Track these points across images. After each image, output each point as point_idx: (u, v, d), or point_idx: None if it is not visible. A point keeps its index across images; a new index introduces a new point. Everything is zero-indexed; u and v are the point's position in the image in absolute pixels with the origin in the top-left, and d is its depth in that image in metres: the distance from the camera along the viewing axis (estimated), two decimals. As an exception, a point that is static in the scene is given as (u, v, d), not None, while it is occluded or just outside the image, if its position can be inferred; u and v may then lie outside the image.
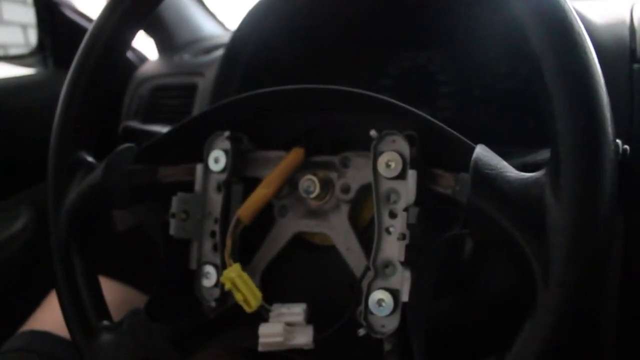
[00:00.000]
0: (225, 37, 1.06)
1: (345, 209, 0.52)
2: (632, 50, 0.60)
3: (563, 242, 0.34)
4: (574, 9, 0.38)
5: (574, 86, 0.35)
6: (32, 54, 1.18)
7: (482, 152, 0.41)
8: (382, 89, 0.81)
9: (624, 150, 0.42)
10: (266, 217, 0.55)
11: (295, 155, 0.53)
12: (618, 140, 0.37)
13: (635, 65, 0.58)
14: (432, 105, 0.77)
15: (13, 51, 1.62)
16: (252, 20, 0.79)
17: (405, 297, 0.47)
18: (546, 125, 0.37)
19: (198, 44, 1.12)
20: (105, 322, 0.55)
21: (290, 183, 0.54)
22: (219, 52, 0.95)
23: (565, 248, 0.34)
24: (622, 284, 0.50)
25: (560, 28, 0.36)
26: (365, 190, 0.51)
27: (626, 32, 0.62)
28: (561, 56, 0.36)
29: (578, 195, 0.34)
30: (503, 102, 0.73)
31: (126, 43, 0.56)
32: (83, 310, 0.55)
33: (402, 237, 0.46)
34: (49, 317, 0.73)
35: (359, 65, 0.82)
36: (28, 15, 1.17)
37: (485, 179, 0.39)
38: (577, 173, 0.34)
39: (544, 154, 0.50)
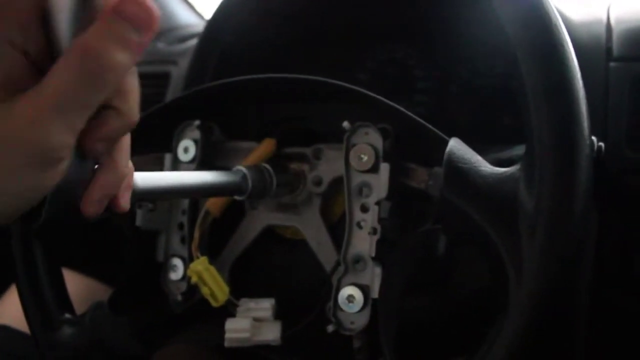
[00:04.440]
0: (200, 26, 1.04)
1: (316, 202, 0.51)
2: (608, 49, 0.60)
3: (536, 238, 0.33)
4: (554, 6, 0.37)
5: (551, 81, 0.34)
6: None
7: (456, 145, 0.40)
8: (358, 82, 0.80)
9: (599, 147, 0.42)
10: (236, 209, 0.53)
11: (266, 146, 0.52)
12: (593, 138, 0.36)
13: (611, 64, 0.58)
14: (409, 100, 0.77)
15: None
16: (227, 10, 0.77)
17: (375, 293, 0.46)
18: (522, 122, 0.36)
19: (172, 33, 1.10)
20: (67, 315, 0.53)
21: None
22: (194, 41, 0.93)
23: (539, 245, 0.33)
24: (593, 283, 0.50)
25: (539, 24, 0.36)
26: (337, 183, 0.50)
27: (603, 31, 0.61)
28: (539, 51, 0.35)
29: (552, 191, 0.33)
30: (480, 98, 0.73)
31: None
32: (43, 302, 0.53)
33: (374, 231, 0.46)
34: (8, 310, 0.70)
35: (336, 57, 0.81)
36: None
37: (458, 172, 0.38)
38: (551, 168, 0.33)
39: (519, 150, 0.49)
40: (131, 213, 0.54)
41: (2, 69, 0.24)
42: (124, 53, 0.24)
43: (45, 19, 0.25)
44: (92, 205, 0.29)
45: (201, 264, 0.49)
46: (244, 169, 0.45)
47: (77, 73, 0.24)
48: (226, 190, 0.44)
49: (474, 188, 0.37)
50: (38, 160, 0.24)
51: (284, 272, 0.54)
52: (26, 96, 0.24)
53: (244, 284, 0.53)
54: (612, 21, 0.62)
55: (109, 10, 0.24)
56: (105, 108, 0.26)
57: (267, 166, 0.47)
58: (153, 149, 0.55)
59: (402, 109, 0.45)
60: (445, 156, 0.39)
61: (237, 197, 0.45)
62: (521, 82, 0.36)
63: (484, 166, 0.38)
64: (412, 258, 0.46)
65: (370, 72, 0.80)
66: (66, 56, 0.24)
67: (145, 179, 0.35)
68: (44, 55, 0.25)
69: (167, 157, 0.54)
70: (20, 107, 0.24)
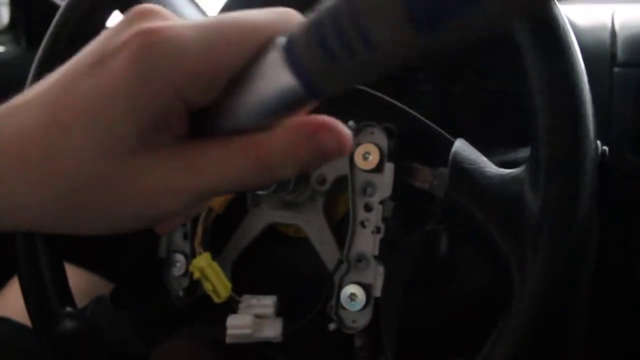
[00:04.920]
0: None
1: (320, 200, 0.51)
2: (613, 54, 0.60)
3: (540, 240, 0.33)
4: (562, 9, 0.37)
5: (558, 83, 0.34)
6: (3, 31, 1.14)
7: (461, 146, 0.40)
8: (362, 83, 0.80)
9: (603, 151, 0.42)
10: (239, 206, 0.53)
11: (271, 144, 0.52)
12: (597, 141, 0.36)
13: (615, 69, 0.58)
14: (412, 102, 0.77)
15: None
16: (232, 9, 0.77)
17: (378, 292, 0.46)
18: (527, 124, 0.36)
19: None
20: (68, 309, 0.53)
21: None
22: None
23: (543, 247, 0.33)
24: (594, 287, 0.50)
25: (547, 26, 0.36)
26: (341, 182, 0.50)
27: (607, 36, 0.62)
28: (546, 52, 0.35)
29: (557, 193, 0.33)
30: (484, 101, 0.73)
31: (101, 23, 0.55)
32: (45, 295, 0.53)
33: (377, 230, 0.46)
34: (10, 303, 0.70)
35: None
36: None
37: (463, 173, 0.38)
38: (557, 170, 0.33)
39: (524, 152, 0.49)
40: None
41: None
42: (293, 169, 0.24)
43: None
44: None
45: (204, 260, 0.49)
46: None
47: (245, 161, 0.24)
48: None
49: (479, 188, 0.37)
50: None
51: (286, 270, 0.54)
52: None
53: (246, 280, 0.53)
54: (617, 27, 0.63)
55: (314, 126, 0.24)
56: None
57: None
58: None
59: (407, 109, 0.45)
60: (450, 156, 0.39)
61: (260, 192, 0.45)
62: (528, 84, 0.36)
63: (489, 167, 0.38)
64: (415, 257, 0.46)
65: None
66: (244, 143, 0.24)
67: None
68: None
69: None
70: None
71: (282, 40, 0.22)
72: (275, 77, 0.22)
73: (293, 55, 0.22)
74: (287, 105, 0.23)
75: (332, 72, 0.21)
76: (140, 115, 0.23)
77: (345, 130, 0.24)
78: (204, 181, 0.24)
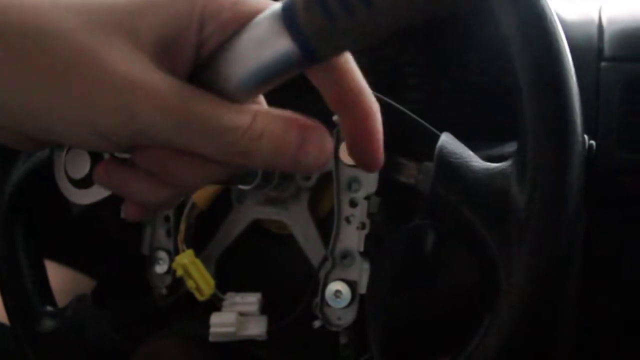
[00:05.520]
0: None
1: (305, 196, 0.50)
2: (600, 49, 0.60)
3: (527, 236, 0.33)
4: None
5: (545, 76, 0.34)
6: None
7: (447, 140, 0.39)
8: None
9: (590, 145, 0.42)
10: (223, 202, 0.53)
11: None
12: (585, 136, 0.36)
13: (603, 64, 0.58)
14: (400, 97, 0.76)
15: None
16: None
17: (363, 289, 0.45)
18: (513, 119, 0.35)
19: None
20: (49, 308, 0.53)
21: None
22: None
23: (529, 242, 0.32)
24: (582, 285, 0.49)
25: (535, 19, 0.35)
26: (325, 178, 0.49)
27: (594, 31, 0.62)
28: (533, 46, 0.35)
29: (544, 188, 0.33)
30: (471, 96, 0.72)
31: None
32: (24, 294, 0.52)
33: (362, 226, 0.45)
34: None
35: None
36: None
37: (449, 167, 0.37)
38: (544, 164, 0.33)
39: (510, 147, 0.49)
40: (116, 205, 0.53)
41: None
42: (269, 158, 0.24)
43: None
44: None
45: (187, 257, 0.48)
46: None
47: (234, 132, 0.23)
48: (235, 179, 0.44)
49: (465, 183, 0.36)
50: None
51: (271, 267, 0.54)
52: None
53: (230, 278, 0.53)
54: (604, 21, 0.62)
55: (307, 123, 0.24)
56: None
57: None
58: None
59: (393, 102, 0.45)
60: (436, 150, 0.38)
61: (242, 187, 0.44)
62: (515, 78, 0.35)
63: (476, 161, 0.38)
64: (400, 254, 0.45)
65: (360, 67, 0.80)
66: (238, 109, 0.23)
67: None
68: None
69: None
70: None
71: (278, 3, 0.22)
72: (272, 40, 0.22)
73: (291, 17, 0.21)
74: (282, 70, 0.23)
75: (330, 33, 0.21)
76: (164, 17, 0.23)
77: (329, 143, 0.25)
78: (188, 132, 0.23)
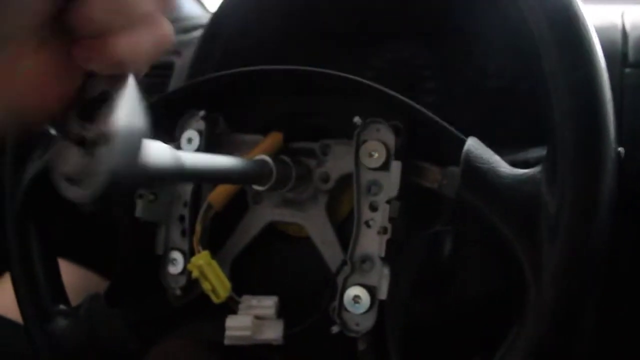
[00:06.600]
0: (204, 18, 1.03)
1: (323, 199, 0.50)
2: (624, 55, 0.59)
3: (558, 242, 0.32)
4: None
5: (579, 81, 0.33)
6: None
7: (473, 144, 0.39)
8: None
9: (618, 152, 0.41)
10: (239, 203, 0.52)
11: (273, 139, 0.50)
12: None
13: (626, 69, 0.57)
14: (416, 100, 0.75)
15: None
16: (233, 3, 0.76)
17: (382, 294, 0.44)
18: (533, 125, 0.35)
19: (176, 23, 1.08)
20: (62, 307, 0.52)
21: None
22: (198, 32, 0.92)
23: (560, 250, 0.32)
24: (604, 288, 0.49)
25: (567, 21, 0.35)
26: (345, 181, 0.48)
27: (618, 36, 0.61)
28: (565, 48, 0.34)
29: (577, 195, 0.32)
30: (489, 100, 0.72)
31: None
32: (38, 292, 0.52)
33: (384, 231, 0.44)
34: (2, 300, 0.69)
35: (342, 54, 0.80)
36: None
37: (476, 172, 0.37)
38: (578, 171, 0.32)
39: (534, 152, 0.48)
40: (131, 203, 0.53)
41: None
42: None
43: None
44: None
45: (203, 259, 0.47)
46: (268, 159, 0.44)
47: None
48: (249, 178, 0.43)
49: (493, 189, 0.35)
50: None
51: (288, 270, 0.53)
52: None
53: (245, 280, 0.52)
54: (628, 27, 0.62)
55: None
56: None
57: (287, 158, 0.46)
58: (156, 139, 0.53)
59: (416, 105, 0.44)
60: (462, 155, 0.38)
61: (257, 187, 0.44)
62: (543, 81, 0.35)
63: (503, 167, 0.37)
64: (420, 259, 0.44)
65: (376, 70, 0.79)
66: None
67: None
68: None
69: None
70: None
71: None
72: None
73: None
74: None
75: None
76: None
77: None
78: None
